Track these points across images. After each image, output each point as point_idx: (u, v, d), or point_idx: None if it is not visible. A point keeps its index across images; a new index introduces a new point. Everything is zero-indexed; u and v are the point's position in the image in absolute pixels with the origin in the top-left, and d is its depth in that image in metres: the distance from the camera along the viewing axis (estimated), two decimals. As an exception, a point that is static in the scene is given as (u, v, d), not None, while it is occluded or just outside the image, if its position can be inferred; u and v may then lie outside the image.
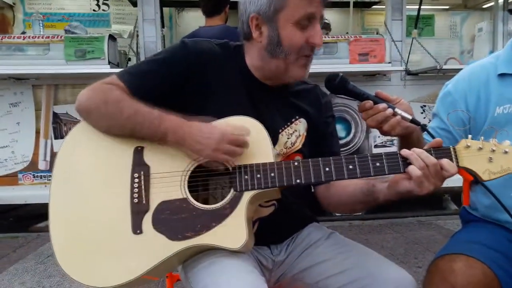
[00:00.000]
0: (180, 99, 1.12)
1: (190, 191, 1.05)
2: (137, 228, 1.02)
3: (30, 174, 3.83)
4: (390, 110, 1.05)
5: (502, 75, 1.25)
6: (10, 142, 3.83)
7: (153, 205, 1.04)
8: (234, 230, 1.00)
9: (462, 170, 0.98)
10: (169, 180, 1.05)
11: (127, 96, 1.06)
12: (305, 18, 1.08)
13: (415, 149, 0.98)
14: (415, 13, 4.03)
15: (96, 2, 6.24)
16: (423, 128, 1.06)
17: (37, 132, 3.82)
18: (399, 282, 1.05)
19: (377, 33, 4.40)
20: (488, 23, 4.39)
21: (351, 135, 3.83)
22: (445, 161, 0.95)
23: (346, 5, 4.85)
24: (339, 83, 1.10)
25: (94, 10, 6.27)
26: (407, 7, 3.96)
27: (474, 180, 1.00)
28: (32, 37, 3.62)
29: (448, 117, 1.25)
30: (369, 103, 1.06)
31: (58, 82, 3.80)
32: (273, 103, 1.19)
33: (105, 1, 6.25)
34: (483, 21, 4.69)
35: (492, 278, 1.06)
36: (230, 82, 1.15)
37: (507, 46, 1.28)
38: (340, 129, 3.78)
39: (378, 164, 1.00)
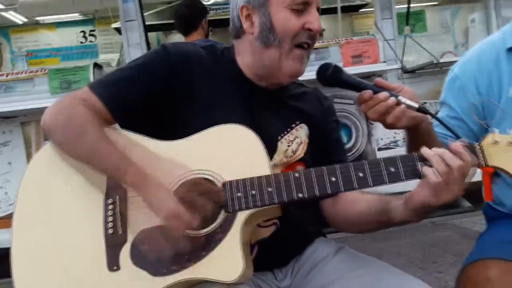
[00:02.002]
0: (163, 108, 1.00)
1: None
2: (113, 264, 0.89)
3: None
4: (393, 99, 0.92)
5: (511, 50, 1.14)
6: (3, 183, 3.73)
7: (131, 235, 0.91)
8: (228, 259, 0.86)
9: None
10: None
11: (94, 119, 0.94)
12: (299, 2, 0.98)
13: (436, 149, 0.85)
14: (405, 10, 3.97)
15: (82, 34, 6.23)
16: (433, 116, 0.94)
17: (30, 170, 3.72)
18: None
19: (368, 34, 4.35)
20: (480, 13, 4.33)
21: (353, 140, 3.71)
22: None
23: (334, 11, 4.81)
24: (332, 74, 0.99)
25: (81, 42, 6.25)
26: (396, 7, 3.90)
27: (496, 172, 0.88)
28: (16, 73, 3.56)
29: (461, 106, 1.12)
30: (368, 93, 0.94)
31: (46, 116, 3.70)
32: (269, 107, 1.07)
33: (91, 32, 6.24)
34: (474, 12, 4.62)
35: (535, 283, 0.92)
36: (219, 87, 1.04)
37: None
38: (340, 136, 3.69)
39: (392, 169, 0.87)
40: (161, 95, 1.00)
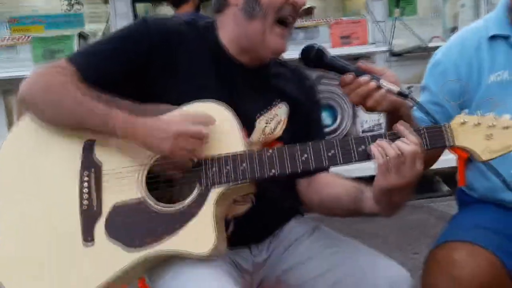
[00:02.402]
0: (141, 83, 0.99)
1: (151, 189, 0.92)
2: (88, 236, 0.89)
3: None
4: (373, 83, 0.93)
5: (493, 38, 1.15)
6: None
7: (106, 209, 0.91)
8: (200, 233, 0.87)
9: (456, 148, 0.88)
10: (124, 178, 0.92)
11: (72, 83, 0.93)
12: None
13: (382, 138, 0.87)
14: (396, -8, 3.93)
15: (68, 2, 6.04)
16: (412, 100, 0.94)
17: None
18: (393, 279, 0.94)
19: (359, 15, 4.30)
20: (470, -1, 4.30)
21: (338, 121, 3.72)
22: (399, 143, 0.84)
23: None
24: (315, 56, 0.98)
25: (67, 10, 6.07)
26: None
27: (470, 157, 0.89)
28: (-1, 41, 3.45)
29: (441, 89, 1.13)
30: (349, 76, 0.94)
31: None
32: (249, 85, 1.06)
33: (77, 1, 6.06)
34: (465, -3, 4.59)
35: (499, 266, 0.95)
36: (198, 63, 1.03)
37: (498, 6, 1.17)
38: (326, 116, 3.68)
39: (361, 148, 0.87)
40: (139, 68, 0.99)
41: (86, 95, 0.91)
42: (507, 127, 0.84)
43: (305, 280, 1.02)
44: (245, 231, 1.04)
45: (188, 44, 1.03)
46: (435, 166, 0.89)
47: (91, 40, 3.76)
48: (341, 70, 0.97)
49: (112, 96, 0.96)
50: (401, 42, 4.11)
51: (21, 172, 0.96)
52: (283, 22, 1.01)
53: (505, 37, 1.14)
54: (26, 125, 0.97)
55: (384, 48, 3.63)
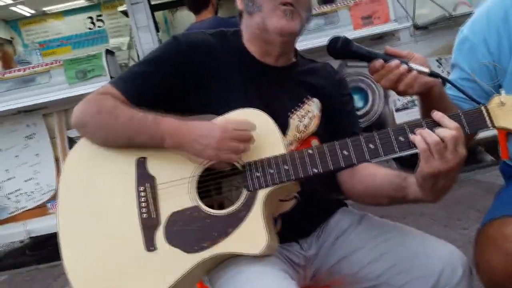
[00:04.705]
0: (181, 98, 1.05)
1: (203, 197, 0.98)
2: (150, 245, 0.96)
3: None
4: (404, 66, 0.93)
5: None
6: (33, 174, 3.87)
7: (164, 218, 0.97)
8: (253, 234, 0.92)
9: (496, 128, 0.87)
10: (178, 188, 0.97)
11: (121, 104, 1.00)
12: None
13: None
14: (414, -37, 3.80)
15: (90, 20, 6.23)
16: (445, 79, 0.94)
17: (57, 160, 3.83)
18: (447, 259, 0.95)
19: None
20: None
21: (369, 103, 3.67)
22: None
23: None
24: (342, 46, 0.99)
25: (90, 29, 6.26)
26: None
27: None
28: (32, 67, 3.62)
29: (474, 72, 1.11)
30: (379, 62, 0.95)
31: (66, 106, 3.79)
32: (279, 85, 1.10)
33: (99, 18, 6.24)
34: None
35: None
36: (229, 71, 1.07)
37: None
38: (357, 99, 3.64)
39: (401, 138, 0.88)
40: (176, 85, 1.04)
41: (134, 113, 0.98)
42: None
43: (358, 269, 1.05)
44: (293, 227, 1.07)
45: (218, 55, 1.08)
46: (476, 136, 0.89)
47: (118, 54, 3.87)
48: (369, 58, 0.97)
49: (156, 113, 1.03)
50: (426, 12, 3.98)
51: (83, 190, 1.03)
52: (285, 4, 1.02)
53: None
54: (83, 147, 1.04)
55: (408, 24, 3.53)
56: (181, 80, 1.04)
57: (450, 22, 3.52)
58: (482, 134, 0.98)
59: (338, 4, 3.56)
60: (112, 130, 0.99)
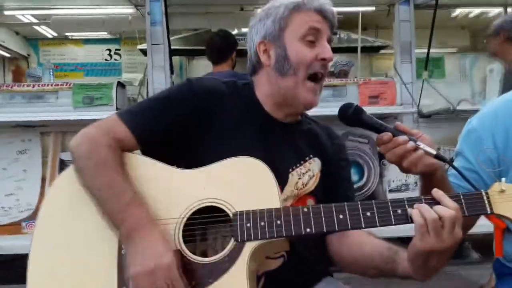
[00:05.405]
0: (184, 139, 1.05)
1: (186, 242, 0.94)
2: (122, 284, 0.91)
3: (34, 222, 3.72)
4: (411, 144, 0.94)
5: None
6: (15, 190, 3.76)
7: None
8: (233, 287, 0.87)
9: (493, 216, 0.87)
10: (164, 228, 0.94)
11: (112, 160, 0.98)
12: (309, 33, 1.05)
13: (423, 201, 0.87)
14: (425, 55, 4.01)
15: (108, 52, 6.42)
16: (450, 164, 0.95)
17: (43, 180, 3.75)
18: None
19: (386, 76, 4.38)
20: (499, 64, 4.33)
21: (365, 179, 3.69)
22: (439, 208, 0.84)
23: (354, 50, 4.88)
24: (353, 113, 1.02)
25: (106, 60, 6.43)
26: (416, 51, 3.94)
27: (508, 227, 0.88)
28: (42, 85, 3.66)
29: (478, 158, 1.12)
30: (387, 135, 0.96)
31: (65, 128, 3.78)
32: (285, 140, 1.11)
33: (117, 51, 6.43)
34: (493, 62, 4.63)
35: None
36: (237, 119, 1.09)
37: None
38: (353, 173, 3.66)
39: (399, 211, 0.88)
40: (184, 126, 1.05)
41: (116, 181, 0.95)
42: (547, 196, 0.83)
43: None
44: (276, 287, 1.03)
45: (228, 103, 1.09)
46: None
47: (128, 88, 3.93)
48: (379, 129, 0.99)
49: (155, 154, 1.02)
50: (429, 103, 4.14)
51: (63, 220, 0.99)
52: (314, 78, 1.07)
53: None
54: (72, 173, 1.01)
55: (412, 110, 3.65)
56: (189, 122, 1.05)
57: (452, 116, 3.64)
58: (471, 231, 0.98)
59: (348, 80, 3.70)
60: (88, 184, 0.98)
